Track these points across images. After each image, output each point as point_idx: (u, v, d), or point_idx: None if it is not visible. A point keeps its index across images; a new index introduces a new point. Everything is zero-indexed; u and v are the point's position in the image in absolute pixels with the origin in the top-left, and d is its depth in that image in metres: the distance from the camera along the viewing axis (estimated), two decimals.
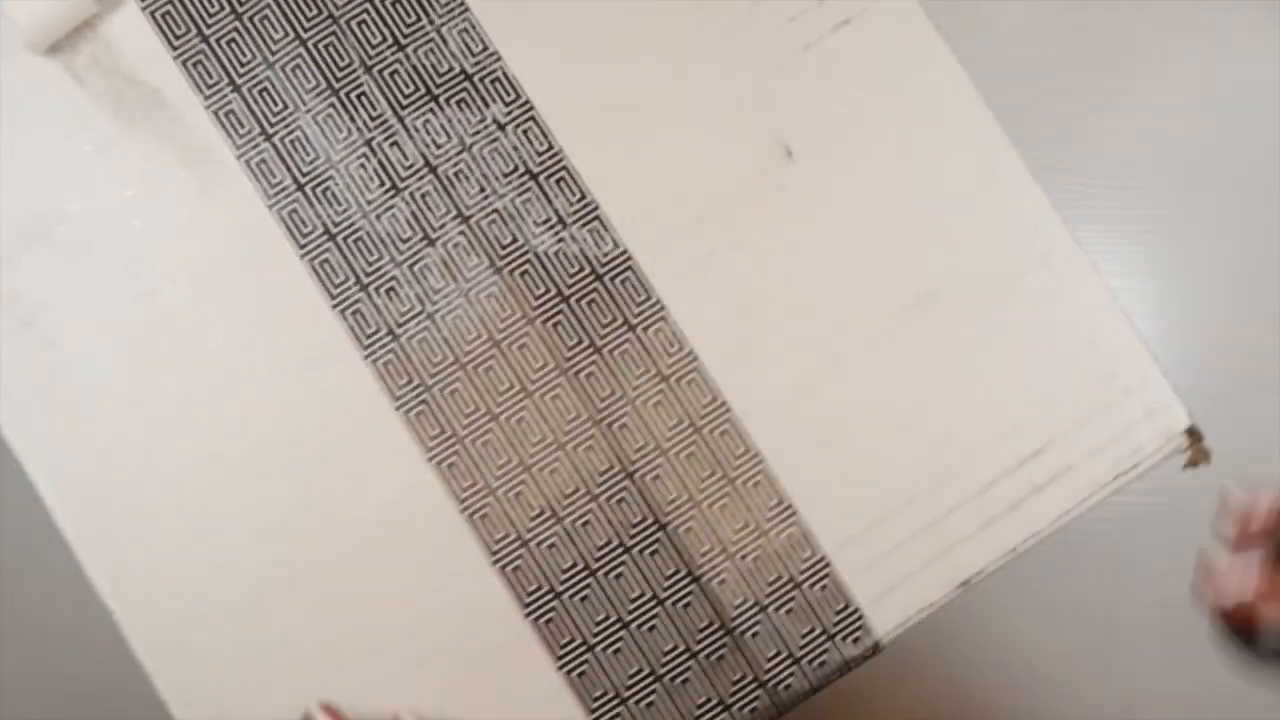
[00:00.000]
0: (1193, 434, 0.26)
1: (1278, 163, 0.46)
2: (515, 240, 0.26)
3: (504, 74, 0.26)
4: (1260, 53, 0.46)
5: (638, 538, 0.25)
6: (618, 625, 0.25)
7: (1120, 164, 0.45)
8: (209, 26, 0.26)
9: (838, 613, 0.25)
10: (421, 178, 0.26)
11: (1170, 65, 0.47)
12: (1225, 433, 0.43)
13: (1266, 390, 0.45)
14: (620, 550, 0.25)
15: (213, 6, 0.26)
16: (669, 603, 0.25)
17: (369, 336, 0.26)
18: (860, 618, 0.25)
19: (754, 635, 0.25)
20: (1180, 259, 0.44)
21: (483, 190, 0.26)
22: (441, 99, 0.26)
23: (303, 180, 0.26)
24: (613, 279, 0.26)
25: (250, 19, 0.26)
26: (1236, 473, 0.43)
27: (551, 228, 0.26)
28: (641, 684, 0.25)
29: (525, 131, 0.26)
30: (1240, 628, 0.21)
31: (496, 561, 0.25)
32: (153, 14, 0.26)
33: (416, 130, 0.26)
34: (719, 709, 0.25)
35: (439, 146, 0.26)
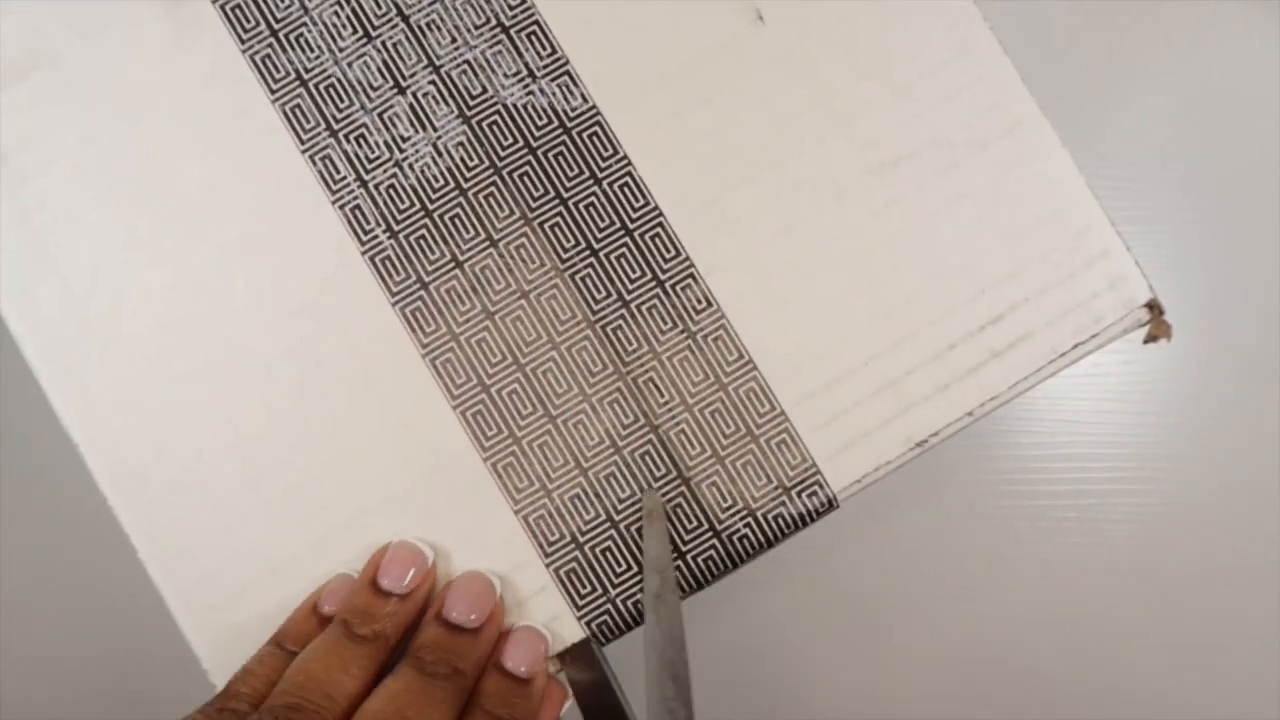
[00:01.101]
0: (1153, 307, 0.27)
1: (1277, 165, 0.46)
2: (485, 91, 0.26)
3: None
4: (1259, 54, 0.46)
5: (598, 385, 0.26)
6: (576, 472, 0.25)
7: (1116, 166, 0.45)
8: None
9: (794, 467, 0.26)
10: (394, 26, 0.26)
11: (1167, 67, 0.47)
12: (1225, 435, 0.44)
13: (1267, 393, 0.46)
14: (580, 399, 0.26)
15: None
16: (626, 450, 0.26)
17: (337, 182, 0.26)
18: (816, 473, 0.26)
19: (710, 485, 0.26)
20: (1179, 262, 0.45)
21: (454, 41, 0.26)
22: None
23: (276, 26, 0.26)
24: (580, 133, 0.26)
25: None
26: (1237, 475, 0.43)
27: (521, 80, 0.26)
28: (598, 529, 0.25)
29: None
30: None
31: (458, 406, 0.26)
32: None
33: None
34: (674, 556, 0.25)
35: None
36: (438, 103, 0.26)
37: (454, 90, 0.26)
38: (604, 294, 0.26)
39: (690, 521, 0.25)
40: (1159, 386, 0.45)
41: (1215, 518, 0.45)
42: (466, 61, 0.26)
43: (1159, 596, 0.44)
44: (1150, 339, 0.27)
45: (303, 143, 0.26)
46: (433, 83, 0.26)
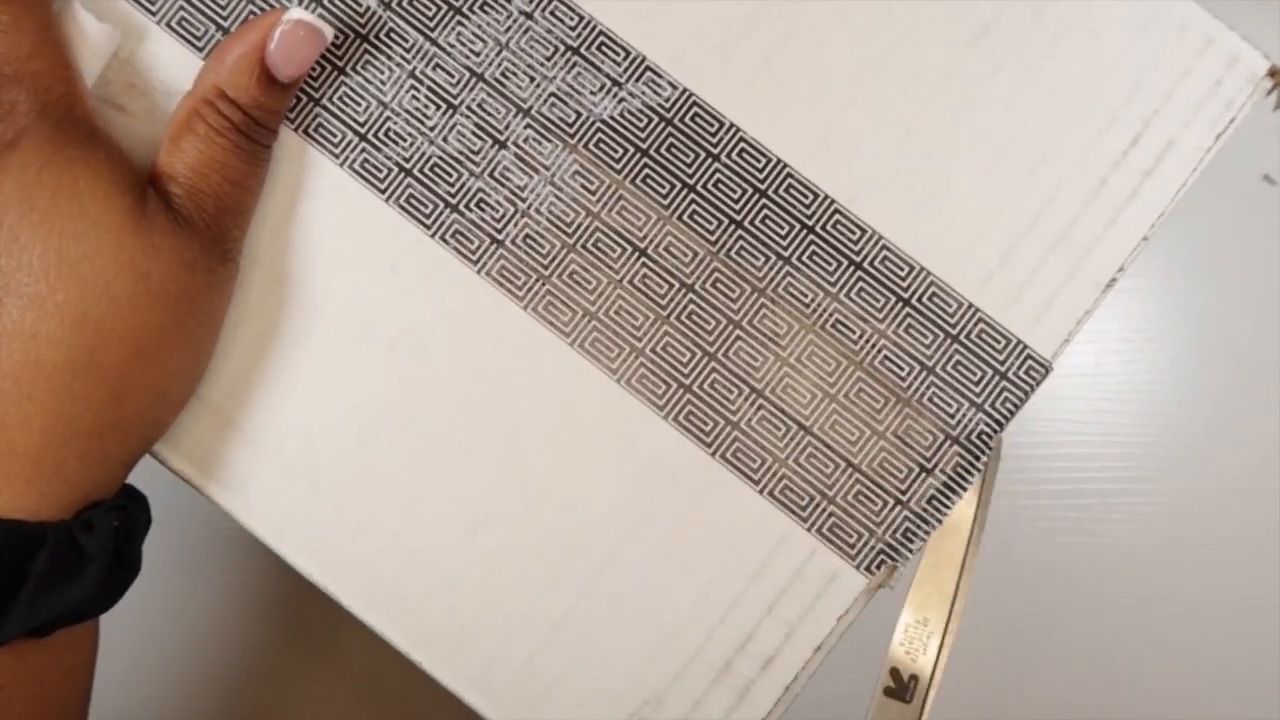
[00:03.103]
0: (1276, 74, 0.27)
1: (1277, 165, 0.46)
2: (579, 115, 0.26)
3: None
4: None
5: (790, 347, 0.26)
6: (801, 433, 0.26)
7: None
8: (225, 17, 0.26)
9: (1000, 349, 0.26)
10: (472, 88, 0.26)
11: None
12: (1225, 435, 0.44)
13: (1266, 394, 0.46)
14: (779, 364, 0.26)
15: None
16: (841, 395, 0.26)
17: (475, 252, 0.26)
18: (1024, 347, 0.26)
19: (931, 398, 0.26)
20: (1179, 263, 0.45)
21: (533, 80, 0.26)
22: (464, 9, 0.26)
23: (362, 130, 0.26)
24: (681, 119, 0.26)
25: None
26: (1237, 475, 0.43)
27: (608, 92, 0.26)
28: (843, 478, 0.26)
29: (552, 11, 0.26)
30: None
31: (667, 415, 0.26)
32: (169, 25, 0.26)
33: (452, 46, 0.26)
34: (923, 474, 0.26)
35: (478, 54, 0.26)
36: (540, 143, 0.26)
37: (550, 126, 0.26)
38: (763, 259, 0.26)
39: (925, 437, 0.26)
40: (1158, 387, 0.45)
41: (1215, 518, 0.45)
42: (552, 94, 0.26)
43: (1158, 596, 0.44)
44: None
45: (429, 228, 0.26)
46: (528, 126, 0.26)
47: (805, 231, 0.26)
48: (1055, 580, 0.45)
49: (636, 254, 0.26)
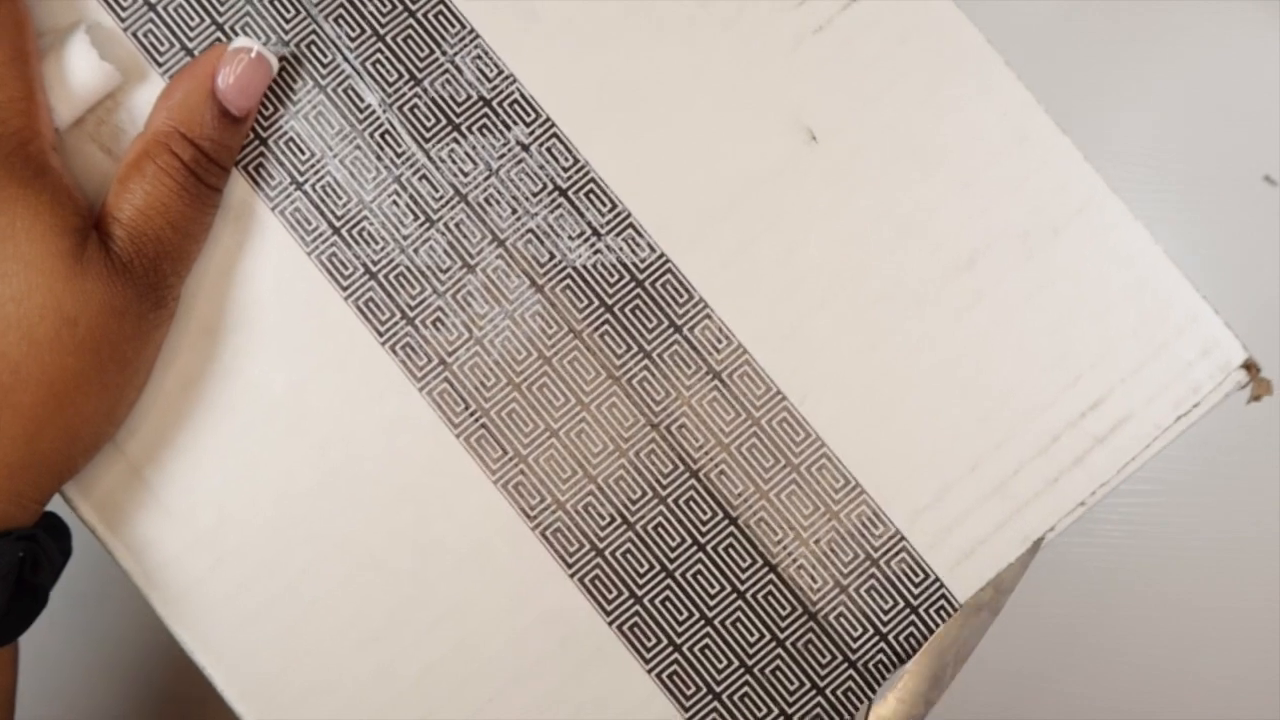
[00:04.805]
0: (1250, 367, 0.26)
1: (1277, 165, 0.46)
2: (553, 257, 0.26)
3: (521, 95, 0.26)
4: (1261, 55, 0.46)
5: (710, 534, 0.26)
6: (702, 622, 0.25)
7: (1120, 167, 0.45)
8: None
9: (917, 584, 0.25)
10: (453, 207, 0.26)
11: (1168, 68, 0.47)
12: (1224, 435, 0.43)
13: (1268, 398, 0.46)
14: (695, 549, 0.26)
15: None
16: (749, 594, 0.26)
17: (421, 369, 0.26)
18: (940, 586, 0.25)
19: (838, 617, 0.25)
20: (1178, 262, 0.45)
21: (515, 212, 0.26)
22: (464, 128, 0.26)
23: (338, 224, 0.26)
24: (653, 283, 0.26)
25: None
26: (1236, 474, 0.43)
27: (587, 240, 0.26)
28: (734, 677, 0.25)
29: (549, 149, 0.26)
30: None
31: (574, 574, 0.26)
32: (171, 77, 0.26)
33: (443, 161, 0.26)
34: (813, 693, 0.25)
35: (467, 175, 0.26)
36: (508, 276, 0.26)
37: (522, 261, 0.26)
38: (703, 441, 0.26)
39: (824, 655, 0.25)
40: None
41: (1214, 518, 0.44)
42: (530, 230, 0.26)
43: (1157, 596, 0.44)
44: (1254, 399, 0.27)
45: (381, 335, 0.26)
46: (500, 257, 0.26)
47: (751, 424, 0.26)
48: (1056, 580, 0.45)
49: (579, 408, 0.26)
